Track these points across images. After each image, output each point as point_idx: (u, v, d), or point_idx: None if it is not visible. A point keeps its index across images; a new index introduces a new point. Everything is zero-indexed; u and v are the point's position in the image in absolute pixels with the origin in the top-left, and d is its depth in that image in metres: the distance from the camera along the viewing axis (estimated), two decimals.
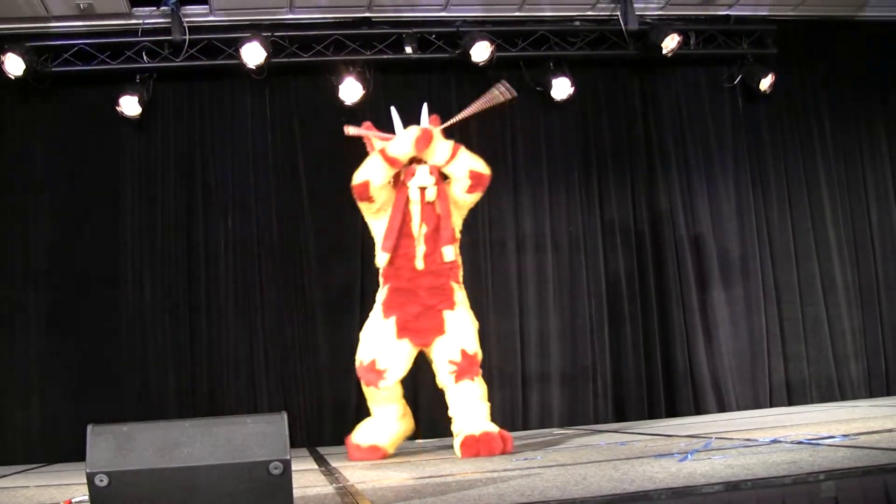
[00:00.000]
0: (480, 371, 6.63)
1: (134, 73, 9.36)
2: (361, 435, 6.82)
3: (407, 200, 6.75)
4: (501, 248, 9.70)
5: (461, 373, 6.49)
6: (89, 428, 3.59)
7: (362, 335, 6.79)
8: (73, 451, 8.20)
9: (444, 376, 6.56)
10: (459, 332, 6.59)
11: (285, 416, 3.70)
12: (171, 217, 9.41)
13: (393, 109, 7.07)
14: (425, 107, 7.09)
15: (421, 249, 6.70)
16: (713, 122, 10.41)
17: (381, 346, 6.60)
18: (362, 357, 6.68)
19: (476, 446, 6.25)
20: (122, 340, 9.17)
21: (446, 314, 6.63)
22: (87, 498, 3.62)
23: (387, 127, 7.00)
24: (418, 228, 6.74)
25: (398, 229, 6.70)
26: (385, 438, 6.80)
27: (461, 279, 6.89)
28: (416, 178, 6.74)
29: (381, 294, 6.84)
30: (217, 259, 9.41)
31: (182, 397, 9.04)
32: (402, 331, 6.61)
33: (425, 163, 6.77)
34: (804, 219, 10.34)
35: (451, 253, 6.71)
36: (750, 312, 9.99)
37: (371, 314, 6.84)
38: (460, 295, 6.78)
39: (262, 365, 9.24)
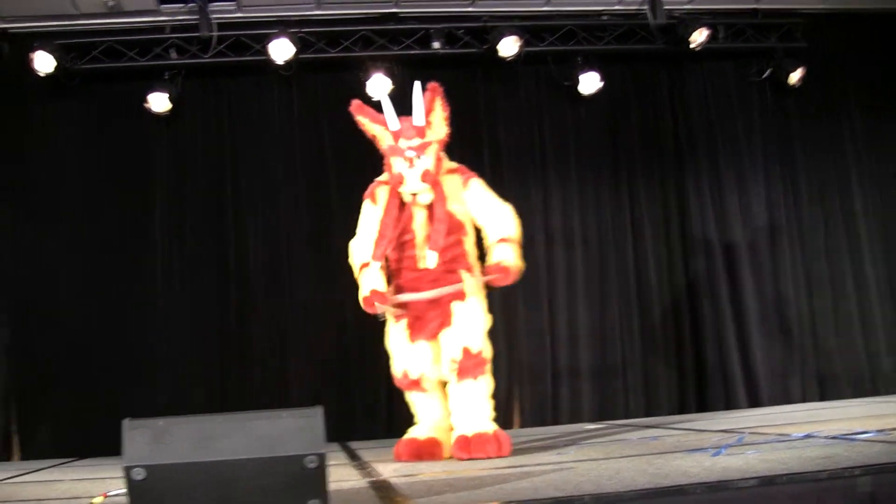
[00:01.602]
0: (487, 368, 6.07)
1: (162, 69, 9.40)
2: (415, 432, 6.38)
3: (401, 202, 6.17)
4: (530, 243, 9.61)
5: (462, 371, 5.95)
6: (125, 422, 3.59)
7: (388, 344, 6.36)
8: (105, 445, 8.26)
9: (446, 372, 6.09)
10: (465, 327, 6.03)
11: (321, 410, 3.70)
12: (201, 213, 9.44)
13: (385, 97, 6.42)
14: (417, 86, 6.21)
15: (424, 251, 6.11)
16: (742, 116, 10.34)
17: (404, 354, 6.23)
18: (395, 369, 6.32)
19: (468, 447, 5.75)
20: (153, 335, 9.21)
21: (455, 306, 6.08)
22: (123, 491, 3.63)
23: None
24: (420, 230, 6.17)
25: (392, 236, 6.13)
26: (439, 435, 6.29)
27: (474, 266, 6.29)
28: (406, 184, 6.11)
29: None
30: (246, 254, 9.44)
31: (213, 392, 9.06)
32: (414, 332, 6.18)
33: (417, 155, 6.08)
34: (835, 213, 10.27)
35: (433, 259, 5.99)
36: (781, 307, 9.93)
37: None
38: (471, 284, 6.16)
39: (292, 360, 9.25)
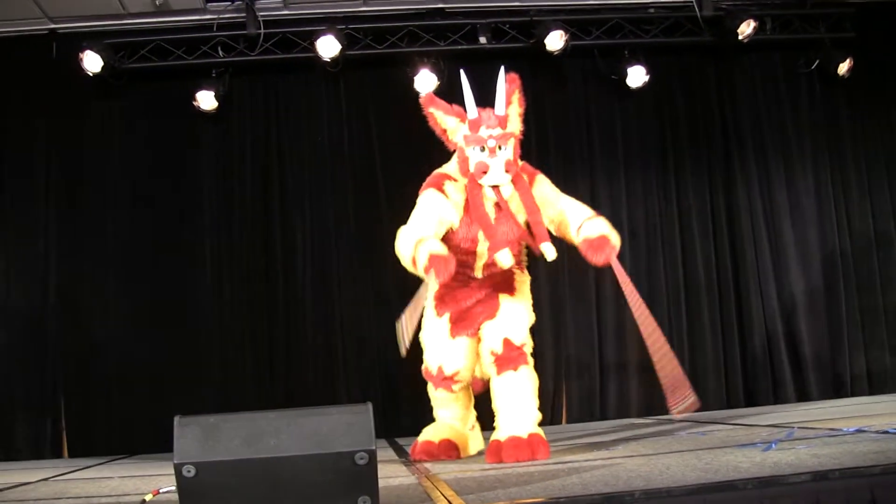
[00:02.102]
0: (529, 361, 5.80)
1: (210, 67, 9.46)
2: (428, 434, 6.31)
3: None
4: None
5: (502, 363, 5.70)
6: (176, 419, 3.62)
7: (423, 336, 6.16)
8: (152, 443, 8.34)
9: (487, 367, 5.86)
10: (509, 319, 5.82)
11: (370, 406, 3.71)
12: (249, 210, 9.49)
13: (462, 74, 6.10)
14: (501, 73, 6.04)
15: (482, 261, 6.00)
16: (790, 108, 10.25)
17: (442, 349, 6.06)
18: (429, 363, 6.17)
19: (499, 453, 5.47)
20: (201, 333, 9.28)
21: (503, 298, 5.92)
22: (174, 488, 3.65)
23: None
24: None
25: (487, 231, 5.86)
26: (454, 437, 6.25)
27: (525, 264, 6.27)
28: (489, 175, 5.81)
29: (433, 287, 5.87)
30: (294, 252, 9.48)
31: (261, 389, 9.10)
32: (456, 326, 6.00)
33: (499, 145, 5.84)
34: (885, 205, 10.14)
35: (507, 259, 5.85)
36: (829, 301, 9.83)
37: (425, 311, 6.09)
38: (522, 281, 6.14)
39: (339, 356, 9.29)
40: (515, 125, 6.02)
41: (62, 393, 9.13)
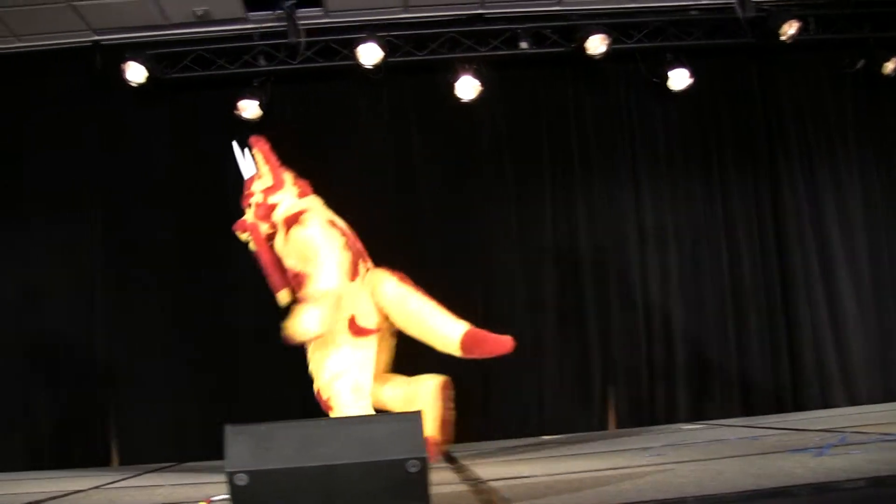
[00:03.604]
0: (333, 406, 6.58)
1: (251, 76, 9.48)
2: None
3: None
4: (623, 241, 9.60)
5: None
6: (228, 428, 3.63)
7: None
8: (200, 450, 8.37)
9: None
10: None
11: (421, 413, 3.71)
12: None
13: (235, 145, 7.12)
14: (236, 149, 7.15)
15: None
16: (835, 109, 10.13)
17: None
18: None
19: None
20: (242, 342, 9.28)
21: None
22: (225, 497, 3.65)
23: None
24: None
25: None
26: None
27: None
28: None
29: None
30: None
31: (305, 396, 9.06)
32: None
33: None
34: None
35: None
36: (878, 304, 9.72)
37: None
38: None
39: None
40: (259, 185, 7.02)
41: (112, 402, 9.18)
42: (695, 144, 9.94)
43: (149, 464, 8.56)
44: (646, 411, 9.29)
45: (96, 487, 6.45)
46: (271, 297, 9.34)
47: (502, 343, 6.54)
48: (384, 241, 9.45)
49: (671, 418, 9.22)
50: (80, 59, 9.71)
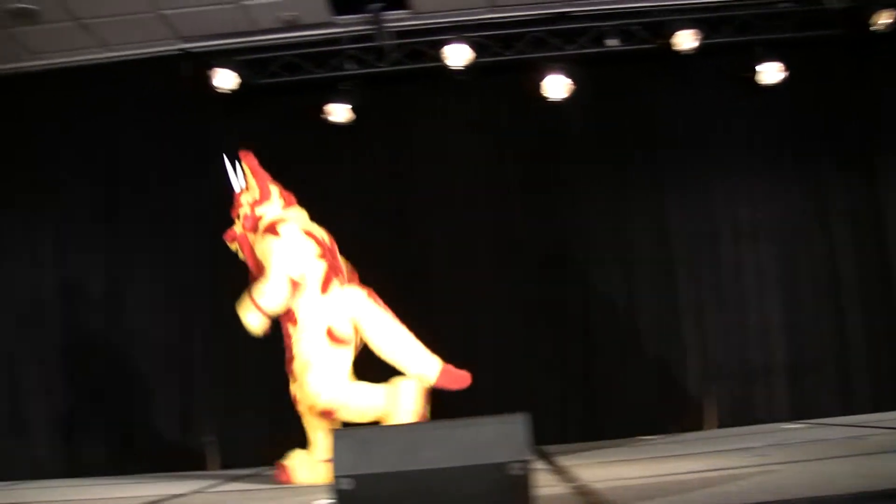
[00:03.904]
0: None
1: (339, 80, 9.50)
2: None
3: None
4: (715, 239, 9.47)
5: None
6: (332, 432, 3.63)
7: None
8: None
9: None
10: None
11: (524, 417, 3.68)
12: (384, 220, 9.51)
13: (225, 159, 7.33)
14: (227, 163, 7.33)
15: None
16: None
17: None
18: None
19: None
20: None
21: None
22: (330, 501, 3.65)
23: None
24: None
25: None
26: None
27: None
28: None
29: None
30: (430, 261, 9.47)
31: None
32: None
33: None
34: None
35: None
36: None
37: None
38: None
39: (481, 366, 9.20)
40: (247, 197, 7.25)
41: (209, 405, 9.27)
42: (787, 138, 9.74)
43: (247, 467, 8.61)
44: (745, 411, 9.15)
45: (196, 492, 6.50)
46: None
47: (464, 379, 7.03)
48: (477, 240, 9.46)
49: (770, 417, 9.07)
50: (167, 66, 9.79)
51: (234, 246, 7.19)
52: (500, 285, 9.41)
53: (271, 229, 6.95)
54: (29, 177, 9.86)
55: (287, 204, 7.28)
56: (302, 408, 7.04)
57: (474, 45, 9.24)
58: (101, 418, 9.39)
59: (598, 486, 4.71)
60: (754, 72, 9.52)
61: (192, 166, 9.64)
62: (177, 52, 9.78)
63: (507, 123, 9.63)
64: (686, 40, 9.20)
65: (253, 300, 6.70)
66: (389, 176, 9.62)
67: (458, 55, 9.14)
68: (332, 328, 6.82)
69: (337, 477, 3.58)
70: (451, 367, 7.01)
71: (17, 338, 9.56)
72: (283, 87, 9.64)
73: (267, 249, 6.90)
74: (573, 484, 4.95)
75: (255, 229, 7.08)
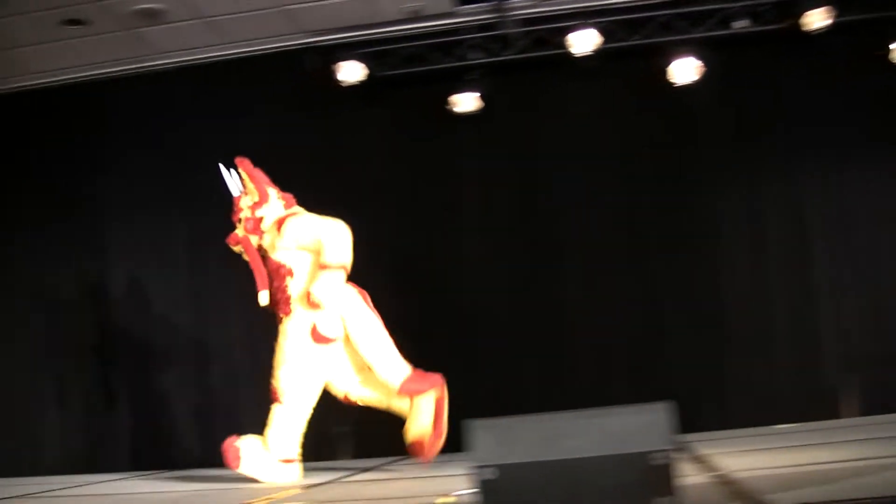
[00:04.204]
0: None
1: (464, 70, 9.47)
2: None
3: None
4: (852, 222, 9.13)
5: None
6: (474, 423, 3.62)
7: None
8: None
9: None
10: None
11: (668, 405, 3.61)
12: (511, 210, 9.51)
13: (221, 167, 7.66)
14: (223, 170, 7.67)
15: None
16: None
17: None
18: None
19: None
20: (468, 336, 9.30)
21: None
22: (472, 491, 3.63)
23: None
24: None
25: None
26: None
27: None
28: None
29: None
30: (560, 251, 9.40)
31: (540, 388, 9.00)
32: None
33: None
34: None
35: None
36: None
37: None
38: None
39: (614, 353, 9.13)
40: (246, 201, 7.55)
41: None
42: None
43: (380, 457, 8.64)
44: (886, 398, 8.89)
45: (330, 482, 6.54)
46: (495, 286, 9.35)
47: (433, 381, 7.11)
48: (608, 231, 9.33)
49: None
50: (292, 61, 9.87)
51: (237, 248, 7.48)
52: (631, 273, 9.30)
53: (282, 224, 7.33)
54: (160, 175, 10.05)
55: (288, 205, 7.60)
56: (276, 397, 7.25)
57: (600, 31, 9.10)
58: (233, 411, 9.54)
59: (740, 475, 4.61)
60: (888, 50, 9.23)
61: (316, 159, 9.69)
62: (301, 47, 9.83)
63: (634, 109, 9.47)
64: (817, 19, 8.96)
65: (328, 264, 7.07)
66: (516, 166, 9.55)
67: (584, 41, 9.02)
68: (317, 325, 7.11)
69: (478, 467, 3.56)
70: (416, 376, 7.12)
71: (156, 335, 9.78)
72: (407, 79, 9.64)
73: (302, 224, 7.36)
74: (714, 473, 4.85)
75: (256, 231, 7.40)
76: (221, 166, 7.65)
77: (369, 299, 7.37)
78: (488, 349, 9.24)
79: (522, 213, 9.49)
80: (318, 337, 7.08)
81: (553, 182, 9.48)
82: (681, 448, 6.79)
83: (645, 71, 9.35)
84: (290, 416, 7.10)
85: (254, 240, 7.38)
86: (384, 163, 9.69)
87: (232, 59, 10.03)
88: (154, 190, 10.08)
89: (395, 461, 8.26)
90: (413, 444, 6.93)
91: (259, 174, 7.58)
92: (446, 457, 6.63)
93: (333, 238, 7.12)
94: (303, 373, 7.11)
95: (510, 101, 9.66)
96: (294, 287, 7.21)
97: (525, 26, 9.35)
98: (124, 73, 10.20)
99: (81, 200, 10.18)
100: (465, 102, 9.34)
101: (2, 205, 10.42)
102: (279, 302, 7.26)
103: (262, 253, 7.42)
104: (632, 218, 9.32)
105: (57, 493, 7.42)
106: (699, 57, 9.15)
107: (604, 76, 9.50)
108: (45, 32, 9.33)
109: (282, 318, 7.25)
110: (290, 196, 7.69)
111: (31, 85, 10.41)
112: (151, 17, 9.12)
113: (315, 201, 9.54)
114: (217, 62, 10.07)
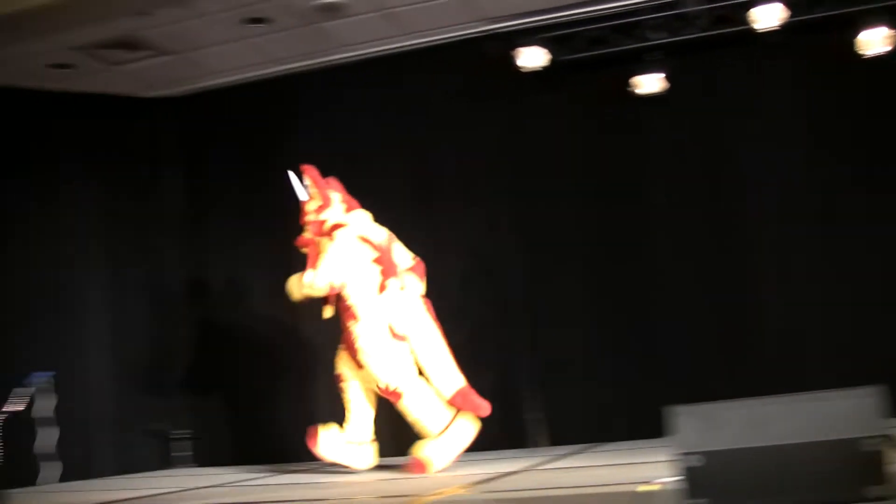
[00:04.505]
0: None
1: (645, 51, 9.32)
2: None
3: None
4: None
5: None
6: (676, 409, 3.57)
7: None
8: (621, 430, 8.38)
9: None
10: None
11: (880, 389, 3.52)
12: (698, 192, 9.34)
13: (290, 174, 8.14)
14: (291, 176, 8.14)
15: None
16: None
17: None
18: None
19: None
20: (652, 317, 9.25)
21: None
22: (676, 478, 3.58)
23: None
24: None
25: None
26: None
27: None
28: None
29: None
30: (748, 230, 9.21)
31: (730, 372, 8.81)
32: None
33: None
34: None
35: None
36: None
37: None
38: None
39: (808, 334, 8.87)
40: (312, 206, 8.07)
41: (538, 382, 9.39)
42: None
43: (568, 445, 8.63)
44: None
45: (526, 469, 6.54)
46: (678, 263, 9.18)
47: (482, 407, 7.73)
48: (801, 211, 9.05)
49: None
50: (472, 50, 9.88)
51: (305, 250, 8.02)
52: (823, 254, 9.03)
53: (332, 232, 7.88)
54: (345, 167, 10.21)
55: (349, 208, 8.06)
56: (362, 391, 7.97)
57: (789, 4, 8.83)
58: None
59: None
60: None
61: (504, 147, 9.77)
62: (480, 34, 9.83)
63: (821, 84, 9.16)
64: None
65: (300, 281, 7.80)
66: (702, 147, 9.37)
67: (768, 16, 8.79)
68: (392, 325, 7.71)
69: (683, 454, 3.51)
70: (469, 391, 7.73)
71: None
72: (588, 62, 9.54)
73: (325, 249, 7.85)
74: None
75: (320, 232, 7.95)
76: (290, 174, 8.14)
77: (432, 308, 7.92)
78: (674, 331, 9.12)
79: (711, 194, 9.34)
80: (394, 334, 7.72)
81: (741, 162, 9.27)
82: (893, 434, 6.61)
83: (833, 44, 9.05)
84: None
85: (319, 241, 7.95)
86: (567, 148, 9.64)
87: (411, 51, 10.11)
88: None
89: (587, 447, 8.25)
90: (416, 461, 7.59)
91: (322, 180, 8.09)
92: (644, 443, 6.57)
93: (320, 268, 7.77)
94: (401, 365, 7.69)
95: (693, 80, 9.45)
96: (354, 295, 7.78)
97: (706, 3, 9.13)
98: (306, 68, 10.39)
99: (268, 196, 10.37)
100: (648, 84, 9.21)
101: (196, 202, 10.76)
102: (342, 310, 7.89)
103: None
104: (826, 194, 9.01)
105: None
106: (891, 26, 8.82)
107: (789, 51, 9.23)
108: (228, 32, 9.58)
109: (349, 325, 7.83)
110: (352, 199, 8.15)
111: (214, 85, 10.76)
112: (332, 11, 9.23)
113: (499, 188, 9.64)
114: (396, 54, 10.16)
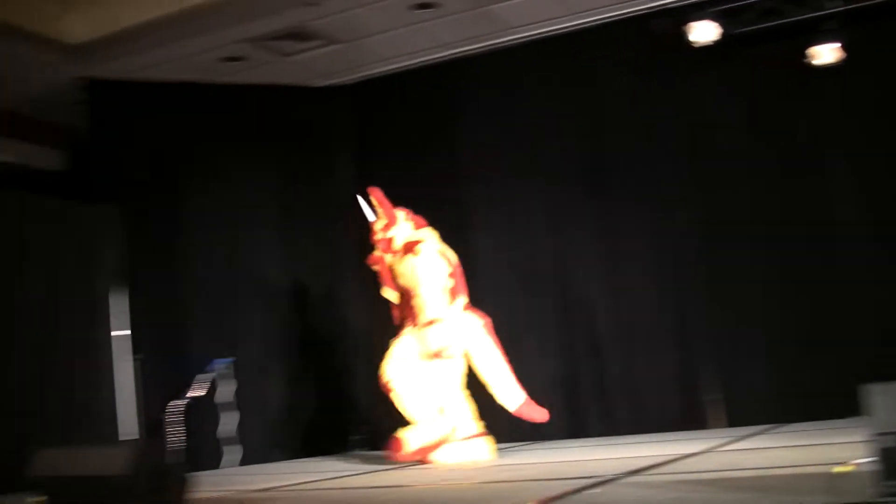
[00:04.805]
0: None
1: (822, 20, 9.01)
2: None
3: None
4: None
5: None
6: (869, 387, 3.44)
7: None
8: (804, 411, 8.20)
9: None
10: None
11: None
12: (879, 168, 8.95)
13: (359, 198, 8.63)
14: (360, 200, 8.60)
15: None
16: None
17: None
18: None
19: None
20: (844, 298, 8.90)
21: None
22: (870, 459, 3.46)
23: None
24: None
25: None
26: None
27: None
28: None
29: None
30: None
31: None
32: None
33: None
34: None
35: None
36: None
37: None
38: None
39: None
40: (379, 225, 8.48)
41: (713, 363, 9.27)
42: None
43: (748, 426, 8.47)
44: None
45: (707, 451, 6.46)
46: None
47: (541, 414, 8.13)
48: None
49: None
50: (640, 26, 9.77)
51: (376, 268, 8.48)
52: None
53: (409, 249, 8.23)
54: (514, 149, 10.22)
55: (418, 225, 8.44)
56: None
57: None
58: (599, 381, 9.60)
59: None
60: None
61: (679, 127, 9.69)
62: (649, 11, 9.70)
63: None
64: None
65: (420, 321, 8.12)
66: (887, 118, 9.00)
67: None
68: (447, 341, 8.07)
69: (879, 434, 3.37)
70: (530, 402, 8.11)
71: (518, 306, 9.96)
72: (760, 35, 9.30)
73: (413, 270, 8.17)
74: None
75: (388, 249, 8.36)
76: (359, 198, 8.61)
77: (492, 326, 8.18)
78: (860, 307, 8.82)
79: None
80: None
81: None
82: None
83: None
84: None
85: (388, 258, 8.38)
86: (743, 123, 9.44)
87: (579, 30, 10.03)
88: (508, 163, 10.27)
89: (770, 428, 8.08)
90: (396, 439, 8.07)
91: (387, 200, 8.46)
92: (824, 424, 6.40)
93: (426, 301, 8.08)
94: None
95: (874, 49, 9.07)
96: (422, 303, 8.11)
97: None
98: (474, 51, 10.39)
99: (439, 179, 10.43)
100: (825, 54, 8.92)
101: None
102: (407, 317, 8.33)
103: (394, 274, 8.39)
104: None
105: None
106: None
107: None
108: (396, 19, 9.64)
109: (410, 328, 8.29)
110: (419, 218, 8.50)
111: (383, 71, 10.86)
112: None
113: (676, 171, 9.49)
114: (565, 34, 10.08)
